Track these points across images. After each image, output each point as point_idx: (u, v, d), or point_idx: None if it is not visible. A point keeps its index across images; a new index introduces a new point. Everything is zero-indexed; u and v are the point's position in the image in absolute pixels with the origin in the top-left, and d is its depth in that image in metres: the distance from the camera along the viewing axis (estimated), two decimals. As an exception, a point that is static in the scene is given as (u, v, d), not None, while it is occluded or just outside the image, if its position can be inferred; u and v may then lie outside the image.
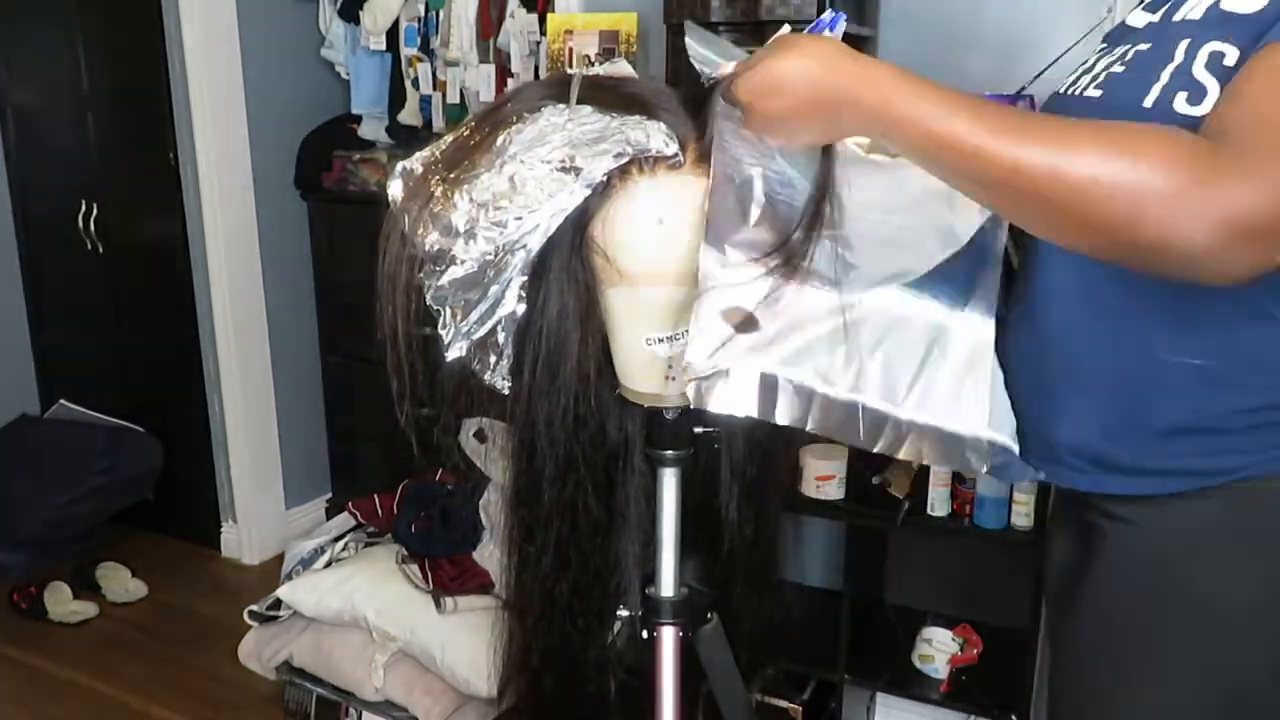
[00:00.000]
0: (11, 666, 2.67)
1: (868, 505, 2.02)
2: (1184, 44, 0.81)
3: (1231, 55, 0.78)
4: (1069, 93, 0.95)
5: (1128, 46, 0.91)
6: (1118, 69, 0.89)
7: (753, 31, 1.97)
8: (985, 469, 0.90)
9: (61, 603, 2.91)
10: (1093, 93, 0.90)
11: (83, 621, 2.87)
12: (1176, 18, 0.86)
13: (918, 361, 0.87)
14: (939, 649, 2.09)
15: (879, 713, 2.26)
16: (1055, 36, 1.94)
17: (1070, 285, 0.89)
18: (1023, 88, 1.90)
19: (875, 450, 0.86)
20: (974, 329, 0.90)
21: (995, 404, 0.90)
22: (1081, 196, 0.69)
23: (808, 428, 0.84)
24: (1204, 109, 0.77)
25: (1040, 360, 0.92)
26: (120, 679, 2.61)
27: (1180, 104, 0.79)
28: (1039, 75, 1.91)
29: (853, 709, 2.17)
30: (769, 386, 0.83)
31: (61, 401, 3.38)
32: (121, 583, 3.02)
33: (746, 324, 0.84)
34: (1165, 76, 0.81)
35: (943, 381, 0.87)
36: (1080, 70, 0.97)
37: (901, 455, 0.86)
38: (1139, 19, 0.93)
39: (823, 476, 2.03)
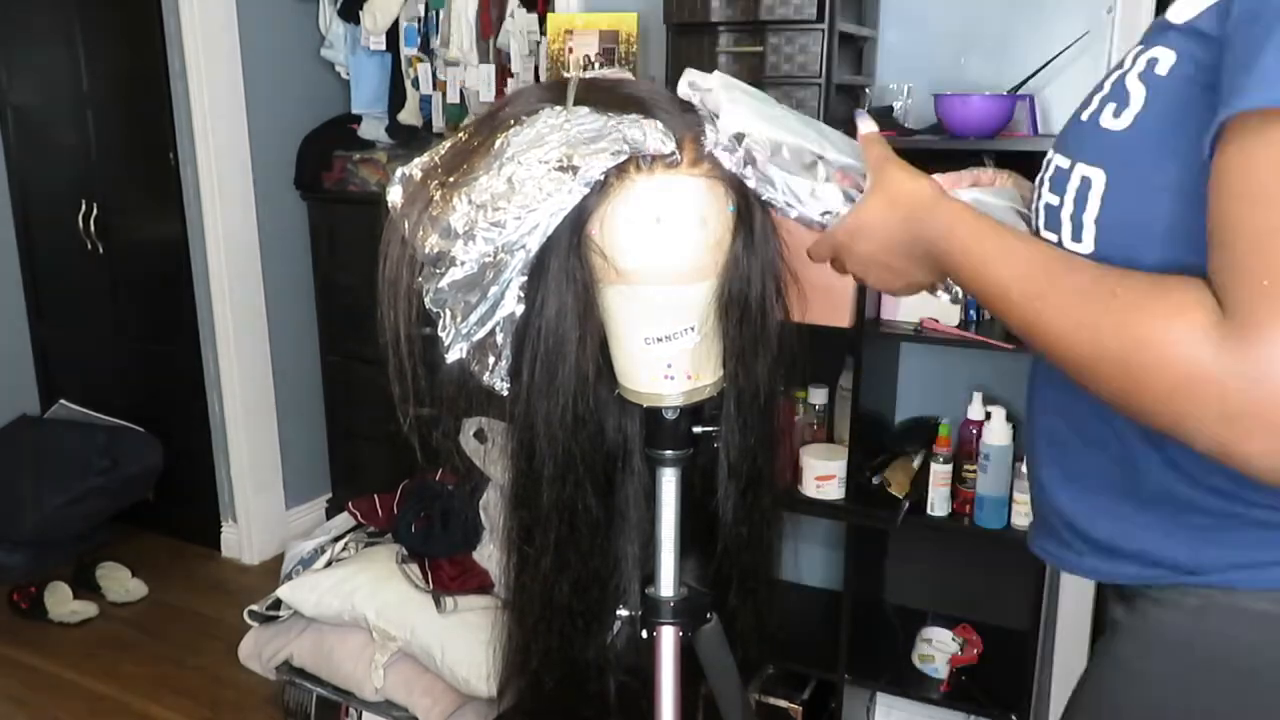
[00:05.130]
0: (11, 666, 2.67)
1: (868, 505, 2.02)
2: (1138, 49, 0.73)
3: (1166, 60, 0.69)
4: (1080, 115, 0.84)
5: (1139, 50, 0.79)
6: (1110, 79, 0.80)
7: (753, 31, 1.97)
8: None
9: (61, 603, 2.91)
10: (1084, 115, 0.80)
11: (83, 621, 2.87)
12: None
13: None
14: (939, 649, 2.09)
15: (879, 713, 2.26)
16: (1055, 37, 1.94)
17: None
18: (1016, 87, 1.91)
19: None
20: None
21: None
22: (1111, 386, 0.65)
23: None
24: (1123, 122, 0.70)
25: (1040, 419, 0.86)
26: (120, 679, 2.61)
27: (1106, 118, 0.72)
28: (1033, 75, 1.92)
29: (853, 709, 2.17)
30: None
31: (61, 401, 3.38)
32: (121, 583, 3.03)
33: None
34: (1108, 85, 0.74)
35: None
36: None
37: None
38: (1179, 12, 0.74)
39: (823, 476, 2.03)
